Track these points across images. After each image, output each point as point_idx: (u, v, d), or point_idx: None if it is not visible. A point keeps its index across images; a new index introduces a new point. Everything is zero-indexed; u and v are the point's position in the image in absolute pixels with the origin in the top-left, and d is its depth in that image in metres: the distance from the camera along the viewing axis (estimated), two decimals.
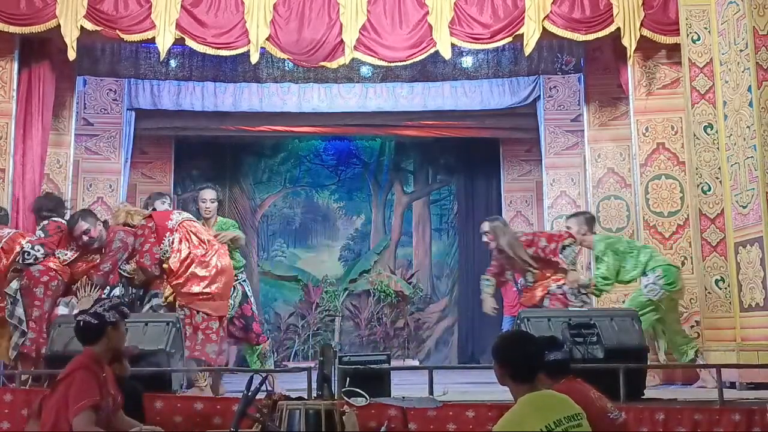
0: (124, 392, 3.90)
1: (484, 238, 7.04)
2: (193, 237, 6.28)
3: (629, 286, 7.85)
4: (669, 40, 7.61)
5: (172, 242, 6.21)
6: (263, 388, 3.88)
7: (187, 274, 6.16)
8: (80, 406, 3.46)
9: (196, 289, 6.13)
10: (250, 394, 3.82)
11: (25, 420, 4.36)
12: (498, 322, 10.24)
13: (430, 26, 7.63)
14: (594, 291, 6.92)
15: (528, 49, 7.67)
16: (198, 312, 6.11)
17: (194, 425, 4.48)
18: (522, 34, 7.60)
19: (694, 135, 7.00)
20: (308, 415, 3.72)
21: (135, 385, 4.01)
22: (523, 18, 7.58)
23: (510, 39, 7.75)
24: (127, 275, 6.28)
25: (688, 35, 7.15)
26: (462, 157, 12.23)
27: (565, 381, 3.61)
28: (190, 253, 6.20)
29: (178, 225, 6.29)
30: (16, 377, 5.69)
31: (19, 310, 6.12)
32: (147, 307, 6.18)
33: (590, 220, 7.06)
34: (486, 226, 7.07)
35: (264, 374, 3.94)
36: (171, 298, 6.24)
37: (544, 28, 7.58)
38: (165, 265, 6.22)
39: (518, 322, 5.84)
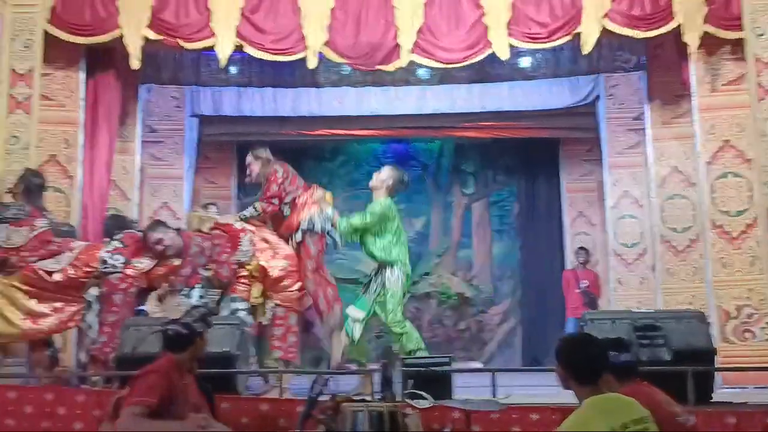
0: None
1: (248, 171, 7.13)
2: (267, 235, 6.53)
3: (693, 287, 7.75)
4: (733, 35, 7.42)
5: (250, 241, 6.42)
6: (326, 390, 3.93)
7: (293, 275, 6.41)
8: (133, 400, 3.55)
9: (295, 286, 6.40)
10: (313, 395, 3.86)
11: (97, 420, 4.49)
12: (561, 324, 10.16)
13: (486, 27, 7.59)
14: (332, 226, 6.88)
15: (587, 48, 7.56)
16: (292, 314, 6.37)
17: (260, 426, 4.54)
18: (580, 33, 7.51)
19: (761, 132, 6.81)
20: (371, 416, 3.74)
21: (205, 386, 4.09)
22: (582, 16, 7.48)
23: (568, 38, 7.65)
24: (206, 276, 6.48)
25: (752, 30, 6.97)
26: (522, 158, 12.12)
27: (631, 384, 3.55)
28: (276, 252, 6.45)
29: (246, 224, 6.53)
30: (88, 379, 5.87)
31: (91, 316, 6.33)
32: (227, 312, 6.34)
33: (398, 182, 7.02)
34: (249, 157, 7.19)
35: (327, 376, 3.98)
36: (260, 299, 6.45)
37: (603, 26, 7.47)
38: (249, 267, 6.41)
39: (582, 324, 5.78)
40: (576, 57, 8.81)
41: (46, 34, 7.40)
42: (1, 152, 6.92)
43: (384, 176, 6.93)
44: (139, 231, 6.82)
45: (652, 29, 7.53)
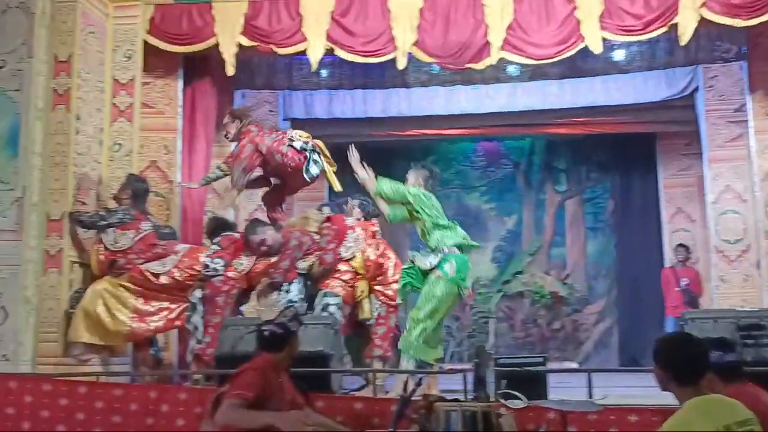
0: None
1: (224, 132, 7.08)
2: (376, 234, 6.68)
3: None
4: None
5: (357, 239, 6.54)
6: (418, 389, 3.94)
7: (398, 272, 6.53)
8: (232, 394, 3.65)
9: (396, 286, 6.50)
10: (407, 395, 3.88)
11: (198, 417, 4.63)
12: (659, 323, 9.89)
13: (578, 21, 7.46)
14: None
15: (684, 39, 7.32)
16: (393, 315, 6.48)
17: (354, 425, 4.58)
18: (677, 24, 7.28)
19: None
20: (465, 416, 3.73)
21: (299, 385, 4.17)
22: (678, 6, 7.26)
23: (664, 29, 7.43)
24: (303, 272, 6.62)
25: None
26: (616, 154, 11.86)
27: (736, 385, 3.43)
28: (385, 249, 6.55)
29: (356, 223, 6.65)
30: (189, 377, 6.07)
31: (196, 318, 6.54)
32: (318, 308, 6.45)
33: (427, 179, 6.71)
34: (226, 117, 7.09)
35: (420, 376, 3.99)
36: (365, 295, 6.58)
37: (701, 15, 7.22)
38: (354, 264, 6.53)
39: (681, 323, 5.61)
40: (673, 48, 8.56)
41: (146, 44, 7.66)
42: (105, 159, 7.22)
43: (412, 181, 6.63)
44: (237, 233, 7.00)
45: (753, 17, 7.24)
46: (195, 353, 6.44)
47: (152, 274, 6.61)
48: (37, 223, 6.46)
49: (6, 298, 6.22)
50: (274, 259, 6.64)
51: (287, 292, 6.52)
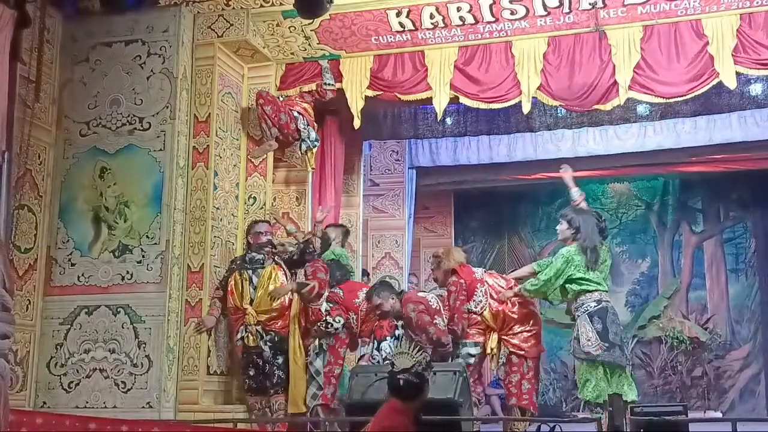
0: None
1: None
2: (496, 283, 6.64)
3: None
4: None
5: (485, 293, 6.54)
6: None
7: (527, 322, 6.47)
8: None
9: (526, 327, 6.45)
10: None
11: None
12: None
13: (711, 57, 7.20)
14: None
15: None
16: (527, 360, 6.39)
17: None
18: None
19: None
20: None
21: None
22: None
23: None
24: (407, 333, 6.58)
25: None
26: (758, 191, 11.35)
27: None
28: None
29: (484, 274, 6.62)
30: (321, 424, 6.15)
31: (318, 363, 6.59)
32: (460, 359, 6.41)
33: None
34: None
35: (552, 423, 3.92)
36: (495, 348, 6.53)
37: None
38: (483, 316, 6.53)
39: None
40: None
41: None
42: (241, 213, 7.50)
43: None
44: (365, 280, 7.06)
45: None
46: (321, 402, 6.46)
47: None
48: (179, 275, 6.76)
49: (151, 347, 6.50)
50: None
51: (378, 349, 6.36)
